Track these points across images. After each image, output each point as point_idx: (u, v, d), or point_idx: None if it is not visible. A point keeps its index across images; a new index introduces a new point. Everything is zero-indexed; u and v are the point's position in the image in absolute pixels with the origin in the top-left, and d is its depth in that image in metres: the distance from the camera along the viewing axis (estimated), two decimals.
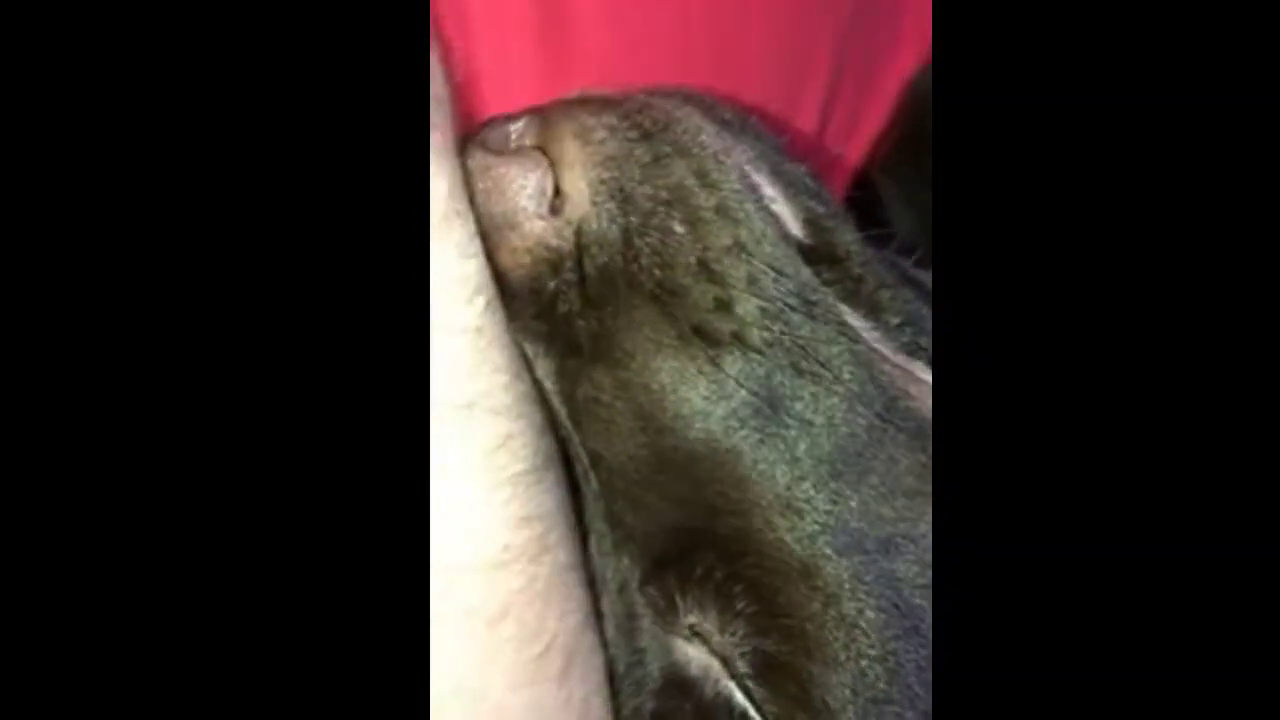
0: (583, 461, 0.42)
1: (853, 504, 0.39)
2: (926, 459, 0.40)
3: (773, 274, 0.39)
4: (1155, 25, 0.32)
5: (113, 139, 0.31)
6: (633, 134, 0.40)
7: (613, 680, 0.44)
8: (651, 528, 0.41)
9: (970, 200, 0.33)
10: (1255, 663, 0.30)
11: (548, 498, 0.41)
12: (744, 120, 0.44)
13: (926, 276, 0.46)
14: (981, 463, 0.31)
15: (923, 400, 0.40)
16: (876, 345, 0.41)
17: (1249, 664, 0.30)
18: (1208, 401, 0.31)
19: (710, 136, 0.41)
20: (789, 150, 0.45)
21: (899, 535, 0.39)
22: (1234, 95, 0.31)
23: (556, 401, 0.41)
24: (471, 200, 0.40)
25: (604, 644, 0.44)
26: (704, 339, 0.39)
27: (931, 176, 0.41)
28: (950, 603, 0.32)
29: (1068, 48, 0.32)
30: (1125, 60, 0.32)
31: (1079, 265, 0.32)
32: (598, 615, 0.44)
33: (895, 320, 0.42)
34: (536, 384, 0.42)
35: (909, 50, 0.59)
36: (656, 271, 0.39)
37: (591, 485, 0.42)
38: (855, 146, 0.59)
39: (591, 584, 0.44)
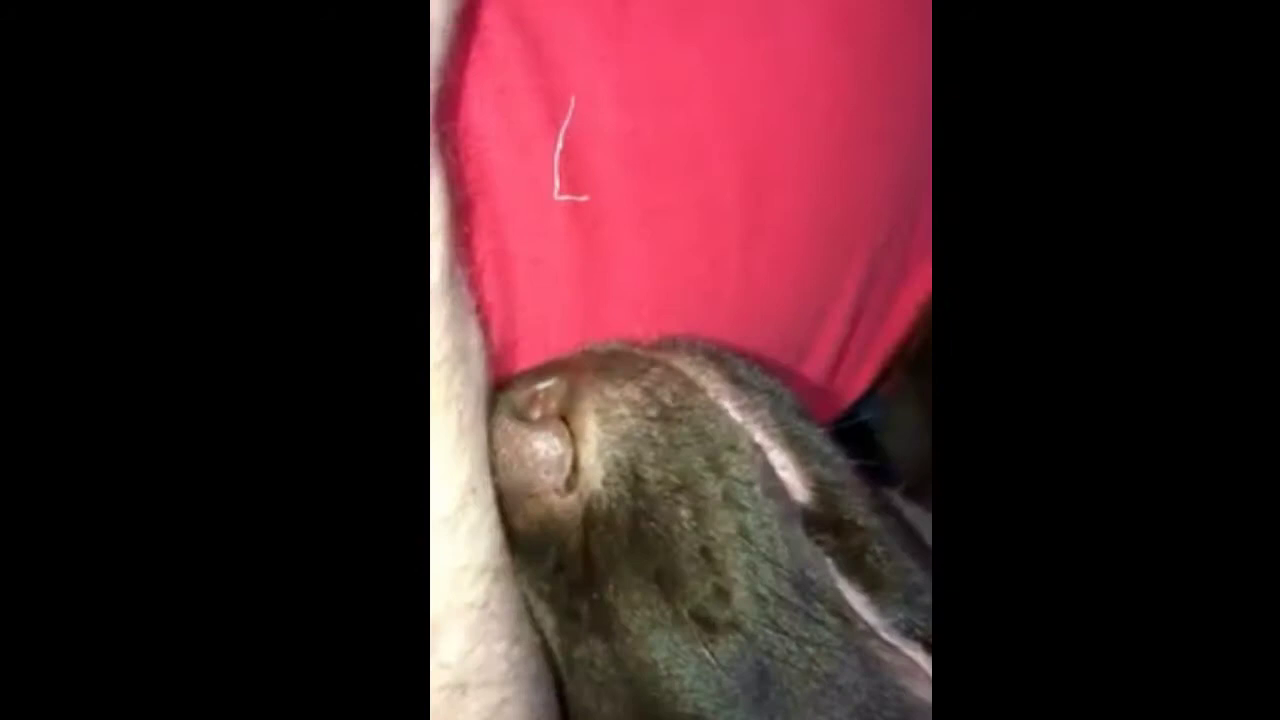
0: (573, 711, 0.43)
1: None
2: None
3: (771, 565, 0.41)
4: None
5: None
6: (652, 412, 0.42)
7: None
8: None
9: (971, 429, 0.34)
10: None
11: None
12: (763, 378, 0.46)
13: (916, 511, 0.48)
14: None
15: (909, 687, 0.42)
16: (871, 621, 0.43)
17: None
18: None
19: (727, 410, 0.43)
20: (804, 408, 0.46)
21: None
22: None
23: (554, 645, 0.43)
24: (493, 469, 0.42)
25: None
26: (701, 624, 0.40)
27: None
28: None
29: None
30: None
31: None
32: None
33: (894, 595, 0.43)
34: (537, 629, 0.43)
35: (920, 275, 0.62)
36: (659, 556, 0.41)
37: None
38: (865, 373, 0.61)
39: None
